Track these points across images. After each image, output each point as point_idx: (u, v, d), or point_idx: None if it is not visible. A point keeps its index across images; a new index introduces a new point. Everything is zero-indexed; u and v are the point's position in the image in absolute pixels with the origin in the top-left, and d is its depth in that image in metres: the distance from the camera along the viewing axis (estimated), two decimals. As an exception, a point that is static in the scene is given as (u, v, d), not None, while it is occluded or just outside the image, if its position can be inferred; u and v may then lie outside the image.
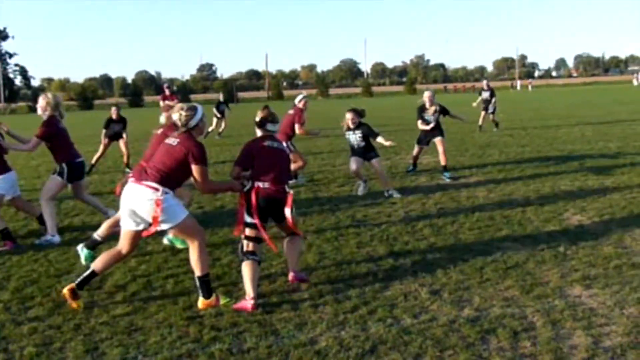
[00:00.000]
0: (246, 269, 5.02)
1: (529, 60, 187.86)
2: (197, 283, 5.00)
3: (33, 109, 67.88)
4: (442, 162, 10.72)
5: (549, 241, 6.41)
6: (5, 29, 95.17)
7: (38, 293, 5.43)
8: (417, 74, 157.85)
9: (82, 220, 8.52)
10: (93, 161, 13.67)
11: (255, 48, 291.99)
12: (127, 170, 12.95)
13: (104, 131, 14.13)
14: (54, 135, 7.43)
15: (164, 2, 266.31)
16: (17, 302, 5.25)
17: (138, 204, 4.82)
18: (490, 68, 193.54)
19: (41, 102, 7.63)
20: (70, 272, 6.01)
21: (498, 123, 20.02)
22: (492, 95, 20.15)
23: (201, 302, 4.94)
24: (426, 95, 11.12)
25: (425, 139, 11.17)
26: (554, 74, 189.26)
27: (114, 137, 14.14)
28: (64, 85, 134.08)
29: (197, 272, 4.98)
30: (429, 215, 7.88)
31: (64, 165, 7.44)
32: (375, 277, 5.53)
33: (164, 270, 5.96)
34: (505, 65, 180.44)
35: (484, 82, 21.53)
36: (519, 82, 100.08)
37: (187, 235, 5.04)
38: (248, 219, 5.21)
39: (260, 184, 5.21)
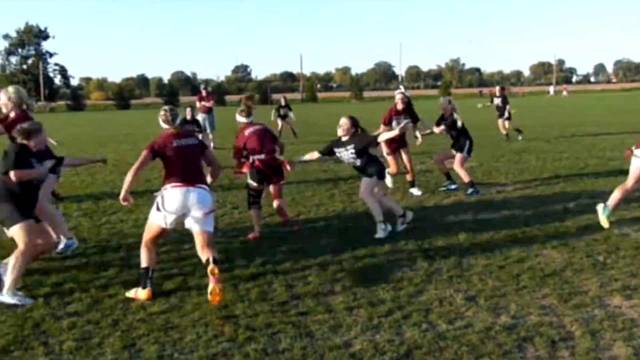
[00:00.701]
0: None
1: (567, 65, 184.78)
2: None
3: (71, 108, 69.49)
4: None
5: (587, 249, 6.30)
6: (46, 28, 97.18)
7: (77, 288, 5.54)
8: (452, 77, 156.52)
9: (120, 217, 8.64)
10: None
11: (290, 50, 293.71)
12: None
13: None
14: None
15: (200, 3, 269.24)
16: (56, 297, 5.35)
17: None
18: (527, 72, 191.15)
19: (2, 99, 6.53)
20: (107, 269, 6.11)
21: (520, 130, 18.79)
22: (504, 102, 18.85)
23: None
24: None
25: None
26: (592, 79, 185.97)
27: None
28: (101, 84, 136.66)
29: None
30: (464, 220, 7.81)
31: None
32: (409, 281, 5.50)
33: (199, 270, 6.01)
34: (542, 70, 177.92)
35: (497, 88, 20.19)
36: (551, 88, 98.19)
37: None
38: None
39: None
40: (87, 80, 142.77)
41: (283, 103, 22.55)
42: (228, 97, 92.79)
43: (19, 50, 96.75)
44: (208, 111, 18.88)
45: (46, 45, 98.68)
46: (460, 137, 9.79)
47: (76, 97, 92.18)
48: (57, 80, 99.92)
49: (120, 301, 5.19)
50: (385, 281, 5.53)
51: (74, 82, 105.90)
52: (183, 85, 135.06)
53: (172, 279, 5.77)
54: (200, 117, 18.30)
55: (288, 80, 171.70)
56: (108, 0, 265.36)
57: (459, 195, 9.52)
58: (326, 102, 79.19)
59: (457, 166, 9.75)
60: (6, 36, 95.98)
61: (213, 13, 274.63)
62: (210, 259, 5.07)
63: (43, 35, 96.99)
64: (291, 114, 22.44)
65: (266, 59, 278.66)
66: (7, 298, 5.20)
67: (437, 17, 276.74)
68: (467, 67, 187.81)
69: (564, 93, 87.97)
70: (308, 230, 7.60)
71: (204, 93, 19.50)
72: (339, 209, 8.76)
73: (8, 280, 5.26)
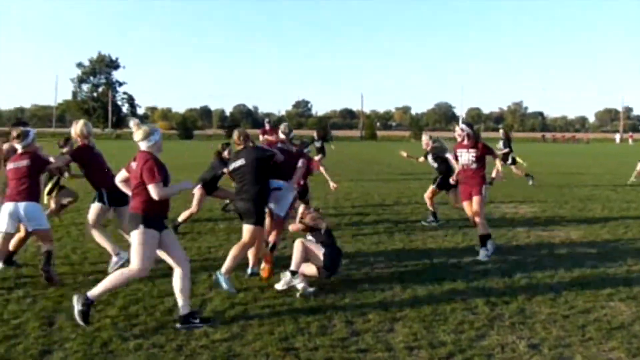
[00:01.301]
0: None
1: (635, 112, 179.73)
2: None
3: None
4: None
5: (657, 304, 6.10)
6: (117, 59, 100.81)
7: (142, 312, 5.71)
8: (513, 120, 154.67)
9: (184, 245, 8.84)
10: None
11: (351, 87, 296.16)
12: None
13: None
14: (86, 158, 7.42)
15: (264, 38, 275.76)
16: (123, 318, 5.53)
17: None
18: (592, 119, 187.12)
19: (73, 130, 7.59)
20: (172, 294, 6.26)
21: (531, 175, 18.15)
22: (505, 145, 18.42)
23: None
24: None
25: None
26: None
27: None
28: (166, 114, 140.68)
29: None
30: (525, 266, 7.68)
31: (102, 190, 7.40)
32: (470, 325, 5.44)
33: (260, 300, 6.11)
34: (609, 117, 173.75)
35: (501, 132, 19.37)
36: (617, 135, 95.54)
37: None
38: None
39: None
40: (153, 109, 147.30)
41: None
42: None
43: (91, 78, 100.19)
44: (271, 145, 19.19)
45: (116, 75, 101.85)
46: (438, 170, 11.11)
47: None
48: (125, 108, 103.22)
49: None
50: (446, 323, 5.49)
51: (140, 111, 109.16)
52: (244, 118, 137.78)
53: (234, 307, 5.87)
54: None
55: (347, 117, 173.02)
56: (177, 35, 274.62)
57: (519, 239, 9.37)
58: (385, 141, 79.18)
59: (426, 195, 11.18)
60: (79, 65, 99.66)
61: (277, 48, 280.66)
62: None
63: (114, 65, 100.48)
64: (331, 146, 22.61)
65: (327, 95, 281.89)
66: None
67: (501, 59, 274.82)
68: (529, 110, 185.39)
69: (630, 141, 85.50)
70: (367, 267, 7.61)
71: (267, 127, 19.88)
72: (398, 248, 8.74)
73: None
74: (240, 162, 7.00)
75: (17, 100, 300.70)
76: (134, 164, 5.55)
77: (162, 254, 5.59)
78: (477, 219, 8.34)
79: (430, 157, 11.30)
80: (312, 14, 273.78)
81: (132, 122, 5.78)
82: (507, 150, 18.41)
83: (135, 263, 5.35)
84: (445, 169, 10.77)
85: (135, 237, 5.37)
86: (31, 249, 8.05)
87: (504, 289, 6.62)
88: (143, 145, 5.55)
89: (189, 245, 8.77)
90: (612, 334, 5.25)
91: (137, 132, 5.55)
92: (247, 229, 6.82)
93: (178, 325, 5.35)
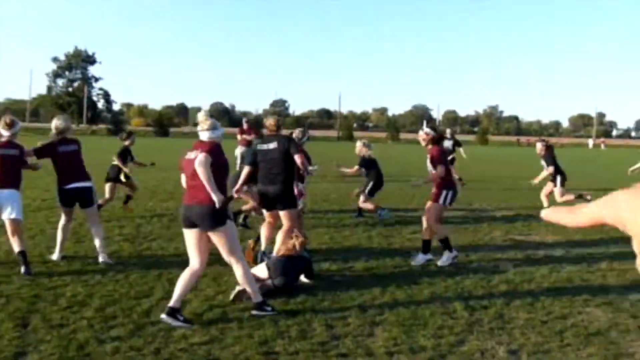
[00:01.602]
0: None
1: (607, 118, 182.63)
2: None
3: (112, 132, 70.67)
4: None
5: (632, 310, 6.17)
6: (94, 54, 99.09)
7: (120, 313, 5.62)
8: (489, 124, 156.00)
9: (160, 245, 8.75)
10: None
11: (328, 87, 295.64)
12: None
13: None
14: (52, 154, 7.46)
15: (242, 36, 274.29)
16: (99, 320, 5.44)
17: None
18: (565, 124, 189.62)
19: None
20: (149, 296, 6.19)
21: (461, 179, 17.68)
22: (455, 145, 18.41)
23: None
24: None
25: None
26: (633, 134, 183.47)
27: None
28: (142, 110, 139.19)
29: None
30: (504, 271, 7.73)
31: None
32: (450, 330, 5.45)
33: (239, 302, 6.05)
34: (582, 122, 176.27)
35: (447, 131, 19.04)
36: (590, 140, 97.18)
37: None
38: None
39: None
40: (129, 106, 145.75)
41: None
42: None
43: (66, 73, 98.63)
44: (248, 144, 18.86)
45: (92, 70, 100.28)
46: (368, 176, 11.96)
47: (117, 122, 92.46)
48: (100, 104, 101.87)
49: (162, 329, 5.24)
50: (425, 328, 5.49)
51: (116, 107, 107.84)
52: (221, 116, 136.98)
53: (212, 310, 5.81)
54: (239, 150, 18.45)
55: (324, 117, 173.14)
56: (153, 29, 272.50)
57: (499, 244, 9.44)
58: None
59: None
60: (55, 59, 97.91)
61: (254, 47, 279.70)
62: None
63: (90, 60, 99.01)
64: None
65: (305, 94, 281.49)
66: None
67: (477, 62, 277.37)
68: (505, 114, 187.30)
69: (602, 146, 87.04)
70: (346, 270, 7.60)
71: (245, 126, 19.38)
72: (376, 249, 8.75)
73: None
74: (273, 145, 7.34)
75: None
76: (192, 154, 5.54)
77: (191, 244, 5.58)
78: (425, 225, 8.17)
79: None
80: (290, 12, 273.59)
81: (202, 112, 6.23)
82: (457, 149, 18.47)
83: (236, 256, 5.55)
84: (376, 175, 11.84)
85: (226, 232, 5.48)
86: (4, 247, 7.88)
87: (482, 294, 6.65)
88: (206, 135, 5.61)
89: (165, 244, 8.68)
90: (589, 340, 5.30)
91: (206, 122, 5.66)
92: (284, 215, 7.29)
93: (163, 315, 5.34)
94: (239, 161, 18.53)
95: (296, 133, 8.99)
